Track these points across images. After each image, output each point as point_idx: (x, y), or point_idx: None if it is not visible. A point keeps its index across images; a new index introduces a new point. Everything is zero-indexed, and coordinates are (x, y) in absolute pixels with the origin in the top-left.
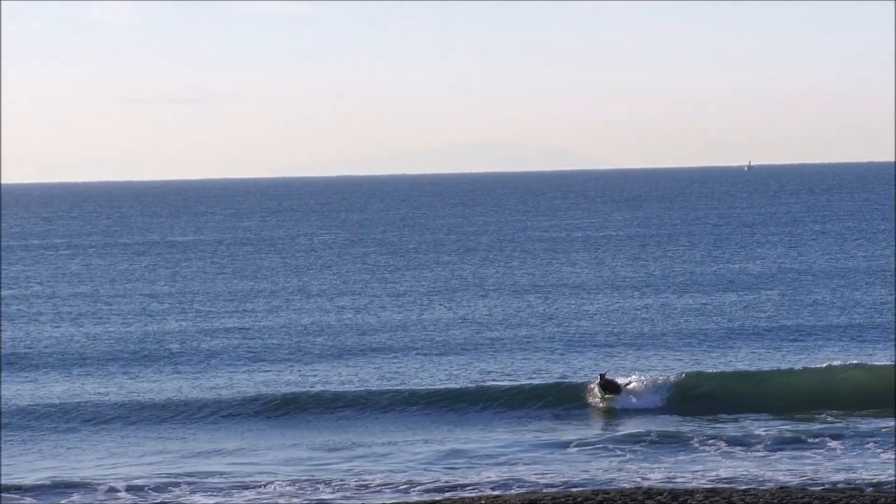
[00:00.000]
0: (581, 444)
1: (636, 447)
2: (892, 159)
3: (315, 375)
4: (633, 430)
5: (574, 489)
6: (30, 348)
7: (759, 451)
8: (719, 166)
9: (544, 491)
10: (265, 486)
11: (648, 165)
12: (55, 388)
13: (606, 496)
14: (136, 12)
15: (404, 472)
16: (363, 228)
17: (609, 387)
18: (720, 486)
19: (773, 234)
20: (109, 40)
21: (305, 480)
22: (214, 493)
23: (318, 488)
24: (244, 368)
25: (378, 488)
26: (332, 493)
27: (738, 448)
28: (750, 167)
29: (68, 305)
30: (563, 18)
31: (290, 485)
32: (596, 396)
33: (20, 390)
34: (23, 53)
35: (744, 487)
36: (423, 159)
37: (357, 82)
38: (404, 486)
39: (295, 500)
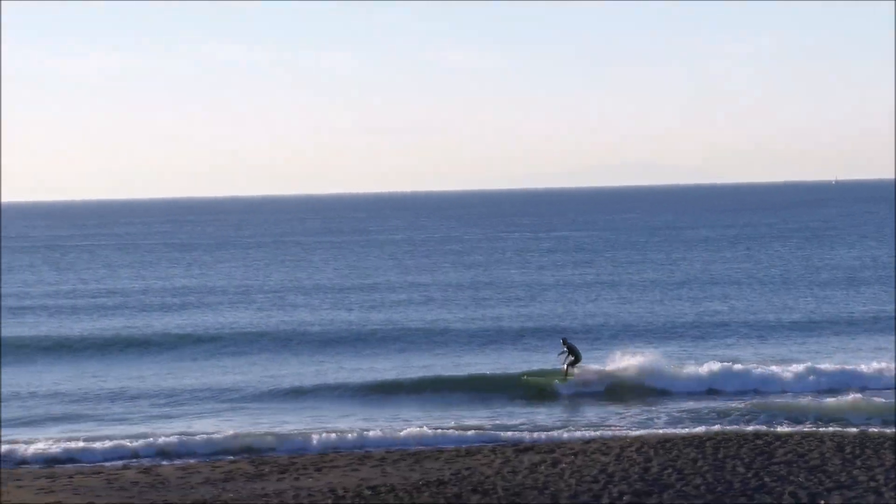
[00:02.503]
0: (687, 410)
1: (737, 408)
2: None
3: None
4: (728, 404)
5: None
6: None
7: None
8: (809, 181)
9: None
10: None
11: (752, 180)
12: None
13: (725, 436)
14: (356, 61)
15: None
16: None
17: (571, 351)
18: (814, 430)
19: (863, 236)
20: (336, 83)
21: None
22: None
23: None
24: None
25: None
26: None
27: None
28: (836, 181)
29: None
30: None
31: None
32: (564, 363)
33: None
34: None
35: (833, 430)
36: (593, 174)
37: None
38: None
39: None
